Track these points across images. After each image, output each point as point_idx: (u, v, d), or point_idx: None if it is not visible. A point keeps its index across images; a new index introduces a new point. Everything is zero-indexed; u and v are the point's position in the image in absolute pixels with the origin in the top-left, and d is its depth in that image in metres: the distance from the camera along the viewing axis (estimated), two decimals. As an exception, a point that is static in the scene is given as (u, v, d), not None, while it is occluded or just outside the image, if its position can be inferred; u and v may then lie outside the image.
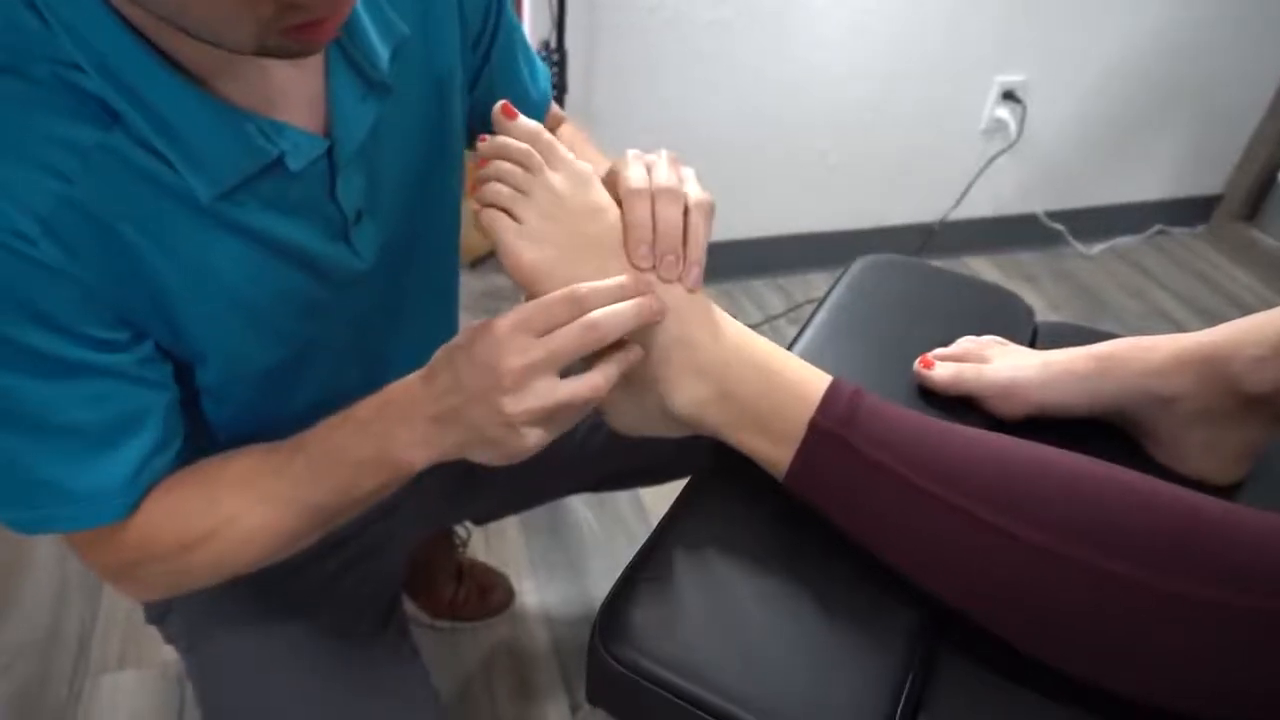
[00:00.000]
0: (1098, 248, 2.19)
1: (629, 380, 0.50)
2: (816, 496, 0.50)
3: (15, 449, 0.47)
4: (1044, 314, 1.71)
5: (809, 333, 0.71)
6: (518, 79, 0.69)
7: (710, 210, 0.52)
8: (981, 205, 2.05)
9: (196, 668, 0.69)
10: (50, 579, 1.23)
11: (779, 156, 1.83)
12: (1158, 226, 2.26)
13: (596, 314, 0.47)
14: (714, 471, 0.57)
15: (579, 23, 1.54)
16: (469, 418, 0.47)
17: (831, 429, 0.48)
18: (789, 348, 0.67)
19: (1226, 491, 0.59)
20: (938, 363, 0.64)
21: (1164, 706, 0.43)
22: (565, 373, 0.48)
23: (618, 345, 0.49)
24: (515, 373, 0.45)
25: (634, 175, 0.51)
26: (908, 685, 0.47)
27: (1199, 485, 0.58)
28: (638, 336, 0.49)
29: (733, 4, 1.60)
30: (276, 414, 0.60)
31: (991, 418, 0.62)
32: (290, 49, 0.41)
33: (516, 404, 0.45)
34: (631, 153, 0.53)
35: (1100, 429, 0.61)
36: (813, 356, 0.66)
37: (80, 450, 0.49)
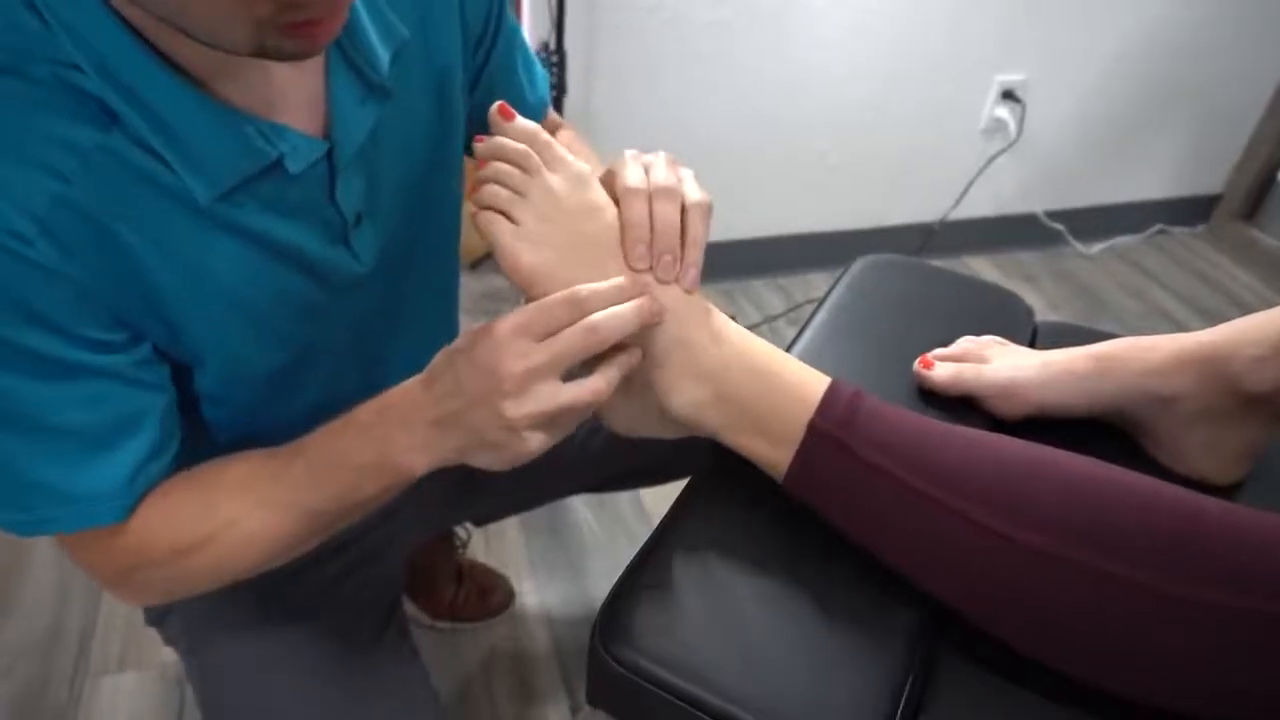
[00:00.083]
0: (1097, 247, 2.19)
1: (627, 382, 0.50)
2: (816, 498, 0.50)
3: (11, 450, 0.47)
4: (1044, 314, 1.70)
5: (809, 333, 0.71)
6: (515, 82, 0.69)
7: (708, 211, 0.52)
8: (981, 205, 2.05)
9: (197, 670, 0.69)
10: (51, 580, 1.23)
11: (778, 157, 1.83)
12: (1158, 226, 2.25)
13: (597, 316, 0.47)
14: (714, 472, 0.57)
15: (578, 23, 1.54)
16: (470, 422, 0.47)
17: (830, 431, 0.48)
18: (789, 348, 0.67)
19: (1227, 491, 0.59)
20: (937, 363, 0.64)
21: (1164, 707, 0.43)
22: (565, 376, 0.48)
23: (617, 348, 0.48)
24: (516, 377, 0.45)
25: (631, 175, 0.51)
26: (908, 686, 0.47)
27: (1199, 485, 0.58)
28: (636, 338, 0.49)
29: (732, 4, 1.60)
30: (275, 416, 0.60)
31: (991, 418, 0.62)
32: (289, 50, 0.41)
33: (518, 408, 0.45)
34: (629, 153, 0.53)
35: (1100, 429, 0.61)
36: (812, 356, 0.66)
37: (77, 452, 0.49)
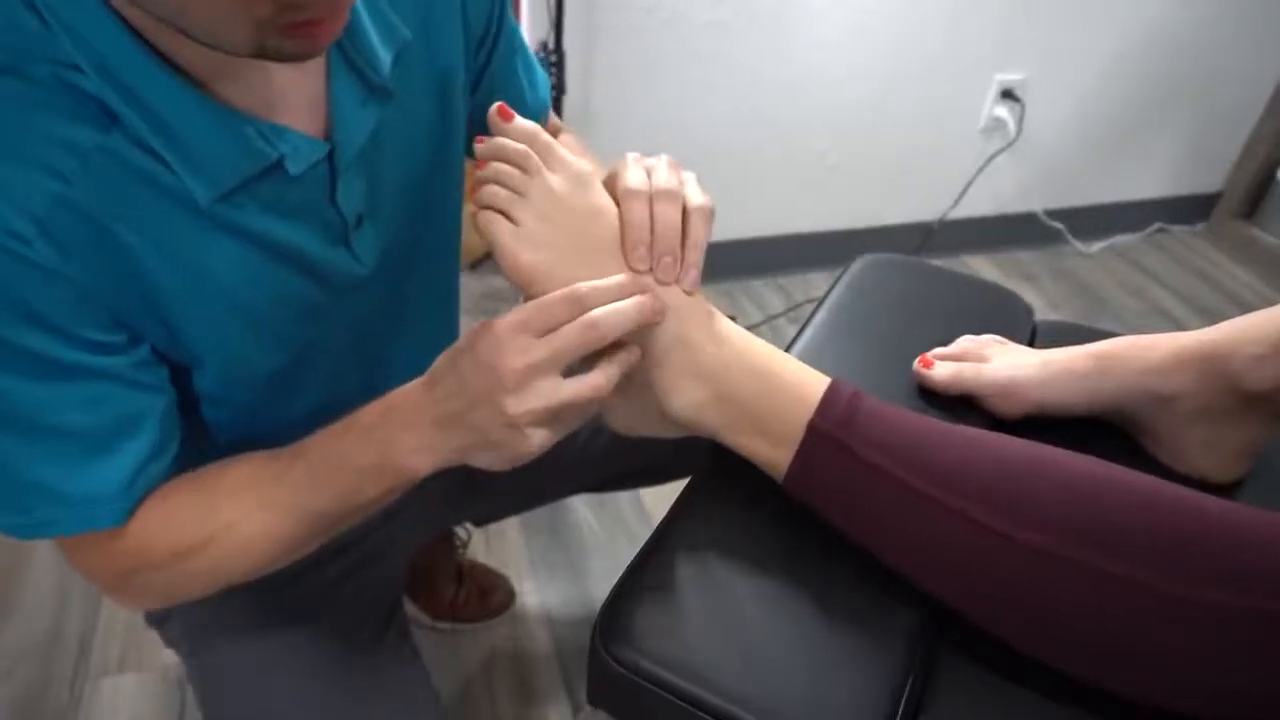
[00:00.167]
0: (1097, 246, 2.19)
1: (627, 381, 0.50)
2: (816, 499, 0.50)
3: (9, 451, 0.47)
4: (1043, 313, 1.70)
5: (809, 332, 0.71)
6: (516, 84, 0.69)
7: (710, 215, 0.52)
8: (981, 204, 2.05)
9: (198, 671, 0.69)
10: (51, 582, 1.23)
11: (777, 157, 1.83)
12: (1157, 225, 2.26)
13: (597, 313, 0.47)
14: (714, 472, 0.57)
15: (577, 23, 1.54)
16: (472, 420, 0.47)
17: (830, 431, 0.48)
18: (789, 347, 0.67)
19: (1227, 490, 0.59)
20: (937, 362, 0.64)
21: (1164, 706, 0.43)
22: (566, 374, 0.47)
23: (617, 346, 0.49)
24: (517, 373, 0.45)
25: (632, 177, 0.51)
26: (908, 686, 0.47)
27: (1199, 484, 0.58)
28: (636, 338, 0.49)
29: (731, 4, 1.60)
30: (276, 418, 0.60)
31: (991, 417, 0.62)
32: (289, 51, 0.41)
33: (519, 404, 0.45)
34: (631, 156, 0.53)
35: (1100, 427, 0.61)
36: (812, 356, 0.66)
37: (75, 453, 0.48)
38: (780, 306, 1.91)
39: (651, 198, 0.50)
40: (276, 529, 0.53)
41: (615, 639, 0.48)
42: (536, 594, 1.27)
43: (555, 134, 0.75)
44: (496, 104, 0.53)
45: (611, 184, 0.52)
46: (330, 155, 0.52)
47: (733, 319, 0.54)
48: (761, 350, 0.52)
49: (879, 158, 1.91)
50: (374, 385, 0.52)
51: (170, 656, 0.85)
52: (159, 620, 0.72)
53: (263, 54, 0.40)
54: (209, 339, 0.53)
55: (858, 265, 0.80)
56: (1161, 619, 0.41)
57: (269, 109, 0.49)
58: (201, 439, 0.59)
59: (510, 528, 1.35)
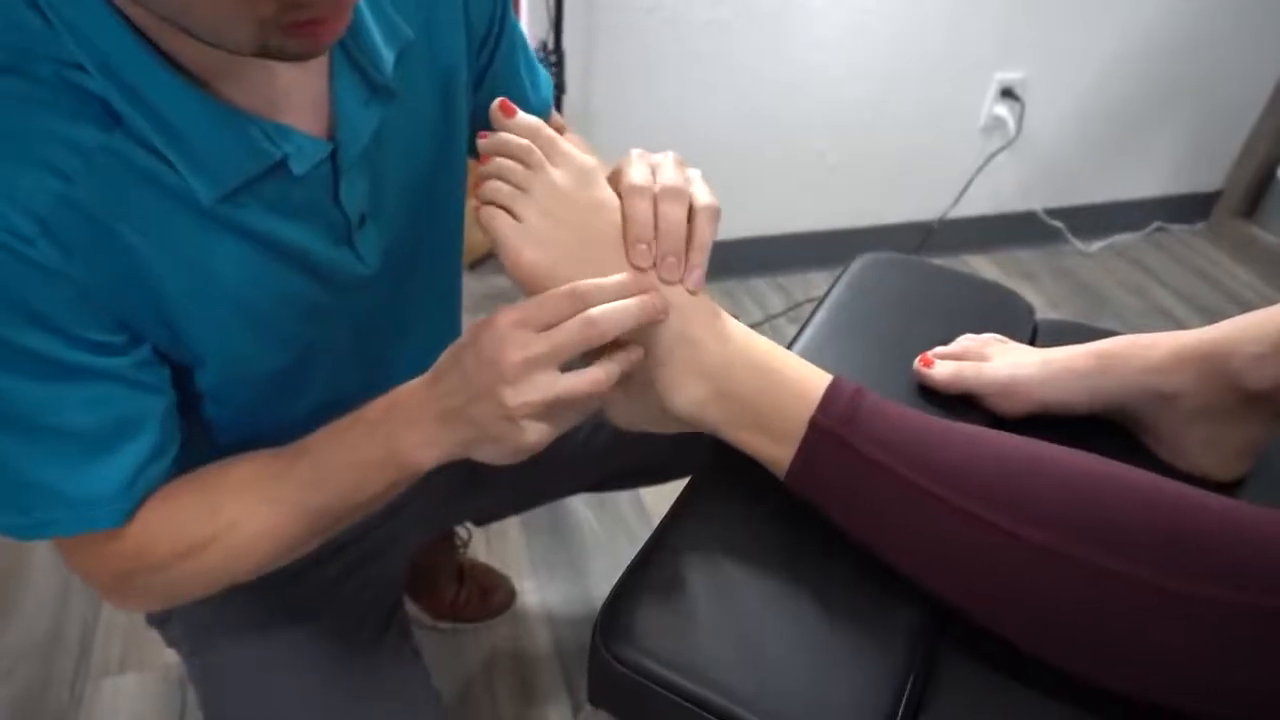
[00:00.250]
0: (1097, 245, 2.19)
1: (628, 379, 0.50)
2: (817, 495, 0.50)
3: (9, 452, 0.47)
4: (1044, 311, 1.70)
5: (809, 331, 0.71)
6: (518, 83, 0.69)
7: (716, 214, 0.52)
8: (981, 203, 2.05)
9: (199, 671, 0.69)
10: (51, 582, 1.23)
11: (777, 156, 1.83)
12: (1157, 223, 2.25)
13: (596, 310, 0.47)
14: (715, 470, 0.57)
15: (577, 23, 1.54)
16: (473, 414, 0.47)
17: (832, 428, 0.48)
18: (789, 346, 0.67)
19: (1227, 488, 0.59)
20: (938, 361, 0.64)
21: (1163, 704, 0.43)
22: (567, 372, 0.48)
23: (619, 344, 0.49)
24: (516, 365, 0.45)
25: (636, 173, 0.51)
26: (909, 684, 0.47)
27: (1200, 482, 0.58)
28: (639, 335, 0.49)
29: (731, 4, 1.60)
30: (278, 417, 0.60)
31: (992, 416, 0.62)
32: (292, 50, 0.41)
33: (517, 396, 0.45)
34: (635, 152, 0.53)
35: (1101, 426, 0.61)
36: (813, 355, 0.66)
37: (76, 454, 0.48)
38: (780, 306, 1.91)
39: (657, 195, 0.50)
40: (279, 527, 0.53)
41: (616, 638, 0.48)
42: (537, 594, 1.27)
43: (559, 132, 0.75)
44: (498, 100, 0.52)
45: (615, 180, 0.52)
46: (333, 155, 0.52)
47: (734, 318, 0.54)
48: (764, 347, 0.52)
49: (879, 157, 1.91)
50: (376, 385, 0.53)
51: (171, 656, 0.85)
52: (160, 620, 0.72)
53: (266, 53, 0.40)
54: (211, 339, 0.53)
55: (858, 264, 0.80)
56: (1161, 615, 0.41)
57: (272, 108, 0.49)
58: (203, 439, 0.59)
59: (511, 527, 1.35)
